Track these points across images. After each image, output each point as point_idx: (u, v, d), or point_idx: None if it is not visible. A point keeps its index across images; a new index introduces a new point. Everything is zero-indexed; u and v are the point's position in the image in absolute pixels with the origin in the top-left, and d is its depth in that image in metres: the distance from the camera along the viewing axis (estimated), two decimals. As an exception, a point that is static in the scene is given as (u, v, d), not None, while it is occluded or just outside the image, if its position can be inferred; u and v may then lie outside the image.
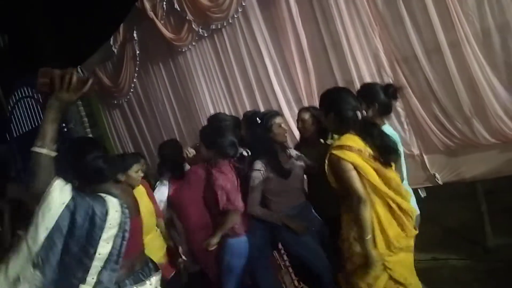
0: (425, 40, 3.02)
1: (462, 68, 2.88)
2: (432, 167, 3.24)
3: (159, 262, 2.79)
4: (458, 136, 3.03)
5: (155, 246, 2.79)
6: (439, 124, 3.11)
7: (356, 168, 1.95)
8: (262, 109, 3.92)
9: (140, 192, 2.86)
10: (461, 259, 3.23)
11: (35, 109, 7.15)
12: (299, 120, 3.02)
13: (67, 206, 1.44)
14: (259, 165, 2.61)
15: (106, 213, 1.54)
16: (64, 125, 6.67)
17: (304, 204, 2.74)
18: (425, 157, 3.27)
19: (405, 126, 3.30)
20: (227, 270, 2.67)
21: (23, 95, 7.29)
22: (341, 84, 3.54)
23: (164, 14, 4.87)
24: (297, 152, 2.86)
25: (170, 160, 3.02)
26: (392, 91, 2.41)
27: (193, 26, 4.57)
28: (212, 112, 4.76)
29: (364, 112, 2.10)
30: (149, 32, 5.15)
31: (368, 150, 1.98)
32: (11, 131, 7.72)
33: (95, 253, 1.50)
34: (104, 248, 1.53)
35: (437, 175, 3.22)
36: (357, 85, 3.37)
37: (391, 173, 2.02)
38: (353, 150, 1.97)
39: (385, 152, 2.00)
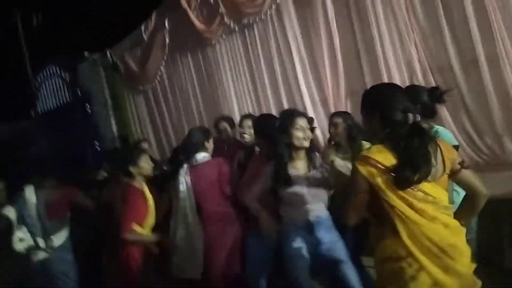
0: (462, 52, 2.97)
1: (498, 84, 2.82)
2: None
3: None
4: (487, 152, 2.97)
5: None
6: (468, 139, 3.05)
7: (376, 189, 1.63)
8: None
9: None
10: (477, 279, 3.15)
11: (62, 87, 7.28)
12: (332, 125, 2.94)
13: None
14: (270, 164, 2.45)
15: None
16: (88, 106, 6.78)
17: (317, 223, 2.45)
18: (449, 171, 3.20)
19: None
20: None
21: (51, 72, 7.42)
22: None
23: (197, 5, 4.91)
24: (322, 163, 2.51)
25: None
26: (438, 94, 2.26)
27: (225, 19, 4.58)
28: (235, 106, 4.78)
29: (418, 116, 1.73)
30: (180, 22, 5.18)
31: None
32: (36, 108, 7.87)
33: None
34: None
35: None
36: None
37: (421, 203, 1.62)
38: (379, 168, 1.62)
39: (405, 166, 1.60)
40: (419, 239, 1.58)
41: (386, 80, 3.34)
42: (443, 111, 3.10)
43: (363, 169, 1.62)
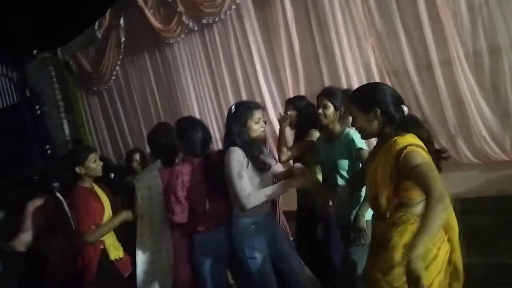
0: (417, 56, 3.05)
1: (451, 87, 2.92)
2: (412, 182, 3.26)
3: (118, 257, 2.65)
4: (441, 153, 3.06)
5: (110, 244, 2.67)
6: (423, 140, 3.13)
7: None
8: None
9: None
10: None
11: (9, 88, 6.85)
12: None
13: None
14: (238, 151, 2.28)
15: None
16: (37, 107, 6.42)
17: (271, 212, 2.43)
18: (406, 171, 3.29)
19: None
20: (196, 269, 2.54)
21: (-2, 72, 6.98)
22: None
23: (154, 3, 4.77)
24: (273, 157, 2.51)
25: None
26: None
27: (184, 18, 4.48)
28: (195, 107, 4.69)
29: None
30: (136, 20, 5.02)
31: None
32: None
33: None
34: None
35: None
36: (347, 94, 3.39)
37: None
38: (427, 152, 1.62)
39: (439, 154, 1.68)
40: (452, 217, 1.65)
41: (344, 83, 3.38)
42: (400, 114, 3.18)
43: (423, 151, 1.60)
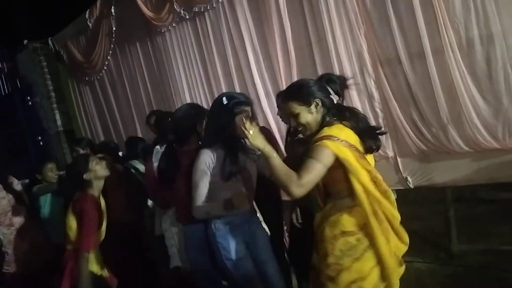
0: (409, 44, 3.01)
1: (443, 75, 2.89)
2: (405, 171, 3.27)
3: (99, 273, 2.62)
4: (433, 141, 3.06)
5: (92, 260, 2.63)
6: (416, 129, 3.12)
7: (345, 165, 1.70)
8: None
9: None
10: (425, 263, 3.29)
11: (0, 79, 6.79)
12: (279, 108, 2.92)
13: None
14: (203, 156, 2.21)
15: None
16: (28, 98, 6.36)
17: (249, 214, 2.35)
18: (398, 160, 3.29)
19: (382, 128, 3.29)
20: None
21: (-14, 63, 6.89)
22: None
23: (145, -9, 4.69)
24: (255, 152, 2.32)
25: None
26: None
27: (175, 6, 4.42)
28: (187, 97, 4.65)
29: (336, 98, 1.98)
30: (128, 8, 4.94)
31: (359, 146, 1.80)
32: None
33: None
34: None
35: (409, 178, 3.24)
36: (339, 82, 3.35)
37: (378, 173, 1.83)
38: (346, 145, 1.72)
39: (369, 138, 1.83)
40: (377, 211, 1.72)
41: (337, 70, 3.35)
42: (392, 103, 3.17)
43: (332, 145, 1.71)
